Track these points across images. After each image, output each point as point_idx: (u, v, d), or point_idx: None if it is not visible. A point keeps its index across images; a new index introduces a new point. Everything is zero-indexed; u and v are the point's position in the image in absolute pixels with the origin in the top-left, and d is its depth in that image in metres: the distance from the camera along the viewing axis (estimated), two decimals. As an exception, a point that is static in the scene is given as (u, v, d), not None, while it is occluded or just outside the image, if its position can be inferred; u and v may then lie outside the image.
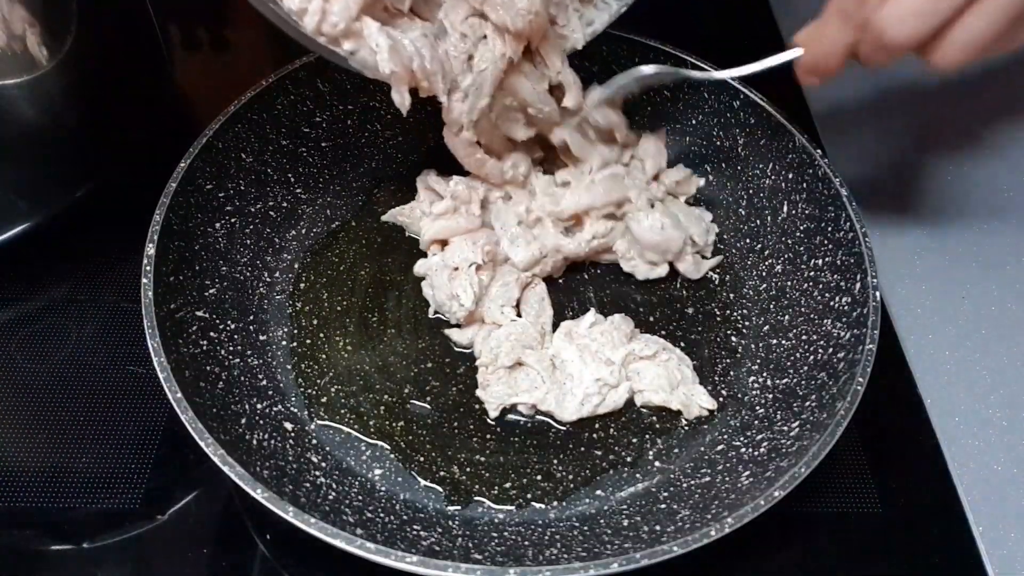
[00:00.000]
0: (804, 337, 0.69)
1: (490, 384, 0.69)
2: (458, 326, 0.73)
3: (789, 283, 0.74)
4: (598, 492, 0.64)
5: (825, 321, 0.68)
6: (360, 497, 0.62)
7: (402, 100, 0.66)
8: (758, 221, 0.78)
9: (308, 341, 0.72)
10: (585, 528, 0.61)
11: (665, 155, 0.81)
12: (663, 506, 0.62)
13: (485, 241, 0.74)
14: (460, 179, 0.77)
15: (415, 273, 0.76)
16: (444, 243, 0.76)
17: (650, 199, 0.78)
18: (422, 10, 0.68)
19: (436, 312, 0.74)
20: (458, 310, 0.71)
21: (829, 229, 0.72)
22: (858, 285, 0.67)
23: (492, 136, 0.75)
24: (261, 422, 0.64)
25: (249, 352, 0.69)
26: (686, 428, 0.68)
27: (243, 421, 0.62)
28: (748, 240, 0.79)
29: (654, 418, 0.69)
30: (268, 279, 0.75)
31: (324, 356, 0.71)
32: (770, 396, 0.68)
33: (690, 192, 0.83)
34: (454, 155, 0.75)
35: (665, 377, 0.69)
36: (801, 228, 0.75)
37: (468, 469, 0.65)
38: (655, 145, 0.80)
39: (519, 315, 0.73)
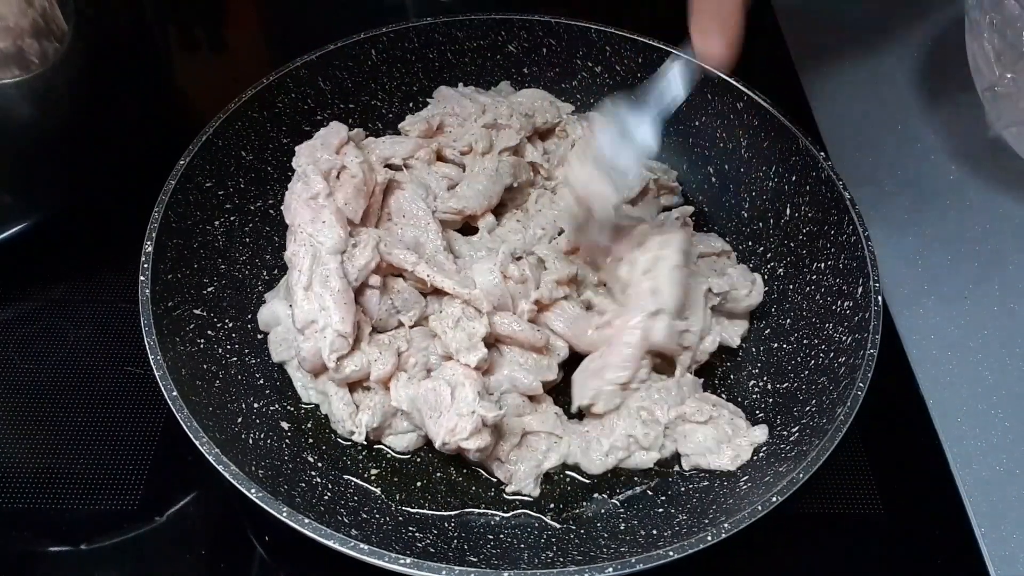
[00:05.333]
0: (805, 341, 0.69)
1: (514, 473, 0.63)
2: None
3: (791, 286, 0.73)
4: (595, 495, 0.64)
5: (827, 325, 0.68)
6: (356, 498, 0.62)
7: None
8: (760, 224, 0.78)
9: (306, 340, 0.71)
10: (581, 531, 0.61)
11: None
12: (660, 510, 0.62)
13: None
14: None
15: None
16: None
17: None
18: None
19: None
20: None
21: (832, 232, 0.71)
22: (860, 289, 0.66)
23: None
24: (258, 421, 0.64)
25: (247, 351, 0.69)
26: (685, 431, 0.68)
27: (239, 420, 0.62)
28: (750, 243, 0.78)
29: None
30: (267, 277, 0.75)
31: (322, 356, 0.71)
32: (770, 400, 0.67)
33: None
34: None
35: (714, 437, 0.64)
36: (804, 231, 0.74)
37: (465, 471, 0.65)
38: None
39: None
